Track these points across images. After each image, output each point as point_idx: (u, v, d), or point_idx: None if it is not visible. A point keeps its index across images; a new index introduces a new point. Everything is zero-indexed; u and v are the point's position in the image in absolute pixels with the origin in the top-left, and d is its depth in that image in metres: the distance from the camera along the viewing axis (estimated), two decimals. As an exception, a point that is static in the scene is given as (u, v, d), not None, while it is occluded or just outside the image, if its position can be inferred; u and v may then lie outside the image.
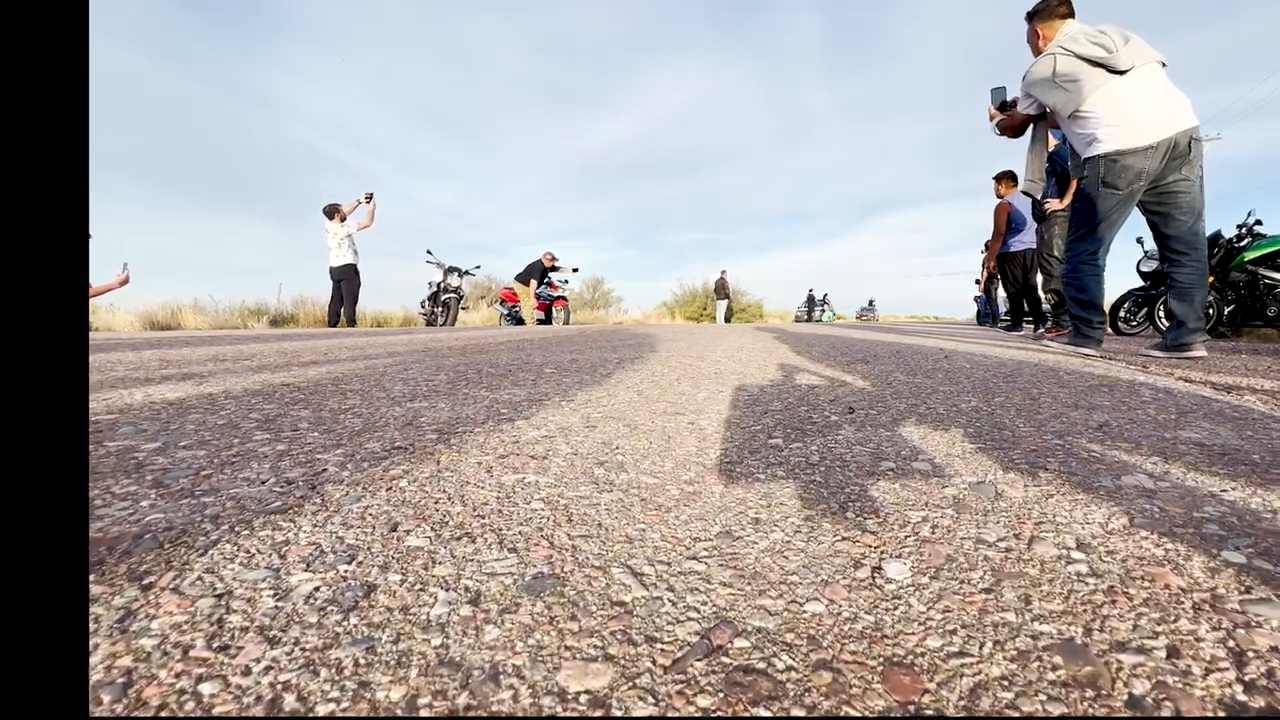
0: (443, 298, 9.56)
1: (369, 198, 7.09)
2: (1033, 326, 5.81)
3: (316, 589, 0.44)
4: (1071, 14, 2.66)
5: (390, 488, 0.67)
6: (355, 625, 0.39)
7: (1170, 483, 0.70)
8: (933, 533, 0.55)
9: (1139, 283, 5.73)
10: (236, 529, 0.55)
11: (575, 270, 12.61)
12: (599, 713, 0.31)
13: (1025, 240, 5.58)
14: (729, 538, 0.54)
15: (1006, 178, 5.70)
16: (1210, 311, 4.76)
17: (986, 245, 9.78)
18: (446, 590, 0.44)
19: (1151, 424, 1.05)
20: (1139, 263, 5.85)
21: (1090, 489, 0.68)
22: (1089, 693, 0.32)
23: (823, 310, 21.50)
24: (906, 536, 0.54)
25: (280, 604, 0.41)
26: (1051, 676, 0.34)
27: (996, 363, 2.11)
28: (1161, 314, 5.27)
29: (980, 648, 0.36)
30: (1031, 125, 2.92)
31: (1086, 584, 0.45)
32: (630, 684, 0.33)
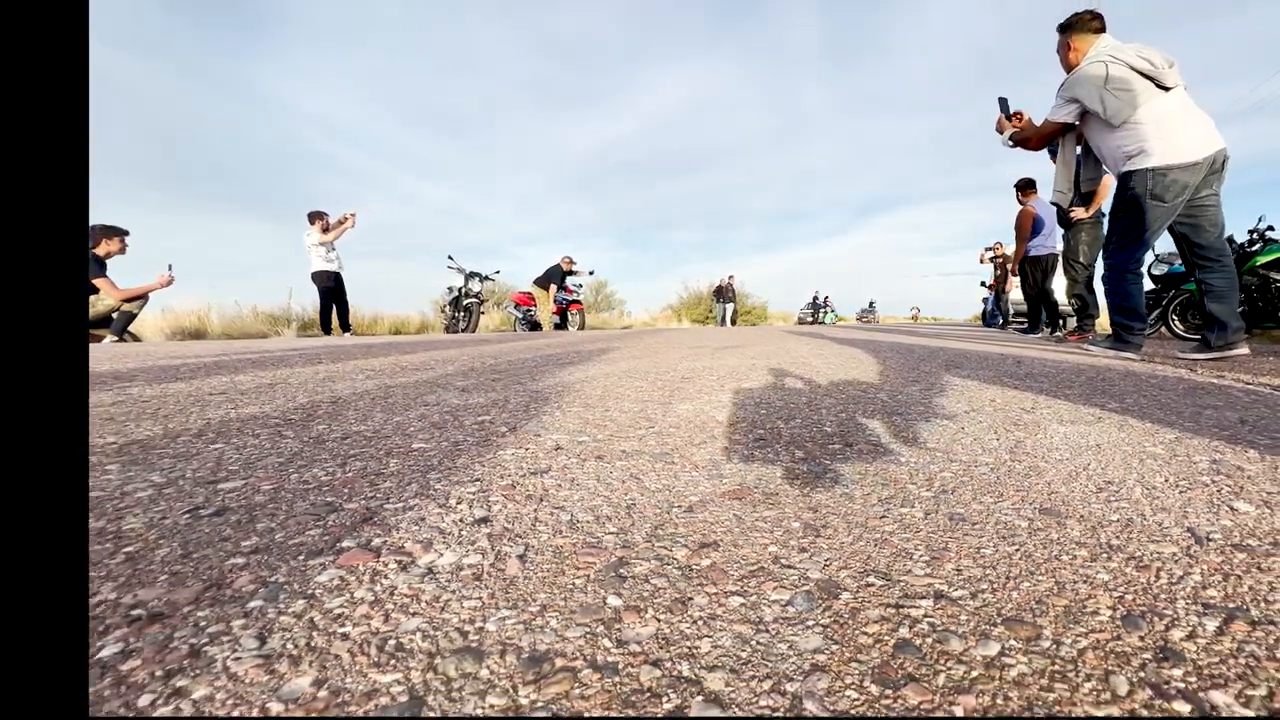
0: (464, 302, 9.70)
1: (351, 217, 7.16)
2: (1049, 329, 6.06)
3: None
4: (1104, 29, 2.84)
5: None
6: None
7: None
8: None
9: (1149, 286, 6.02)
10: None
11: (591, 273, 12.76)
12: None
13: (1047, 245, 5.85)
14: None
15: (1028, 185, 5.95)
16: (1226, 314, 5.02)
17: (990, 247, 10.13)
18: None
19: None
20: (1150, 266, 6.13)
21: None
22: None
23: (824, 312, 21.86)
24: None
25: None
26: None
27: (1072, 367, 2.31)
28: (1175, 317, 5.53)
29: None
30: (1060, 137, 3.06)
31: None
32: None
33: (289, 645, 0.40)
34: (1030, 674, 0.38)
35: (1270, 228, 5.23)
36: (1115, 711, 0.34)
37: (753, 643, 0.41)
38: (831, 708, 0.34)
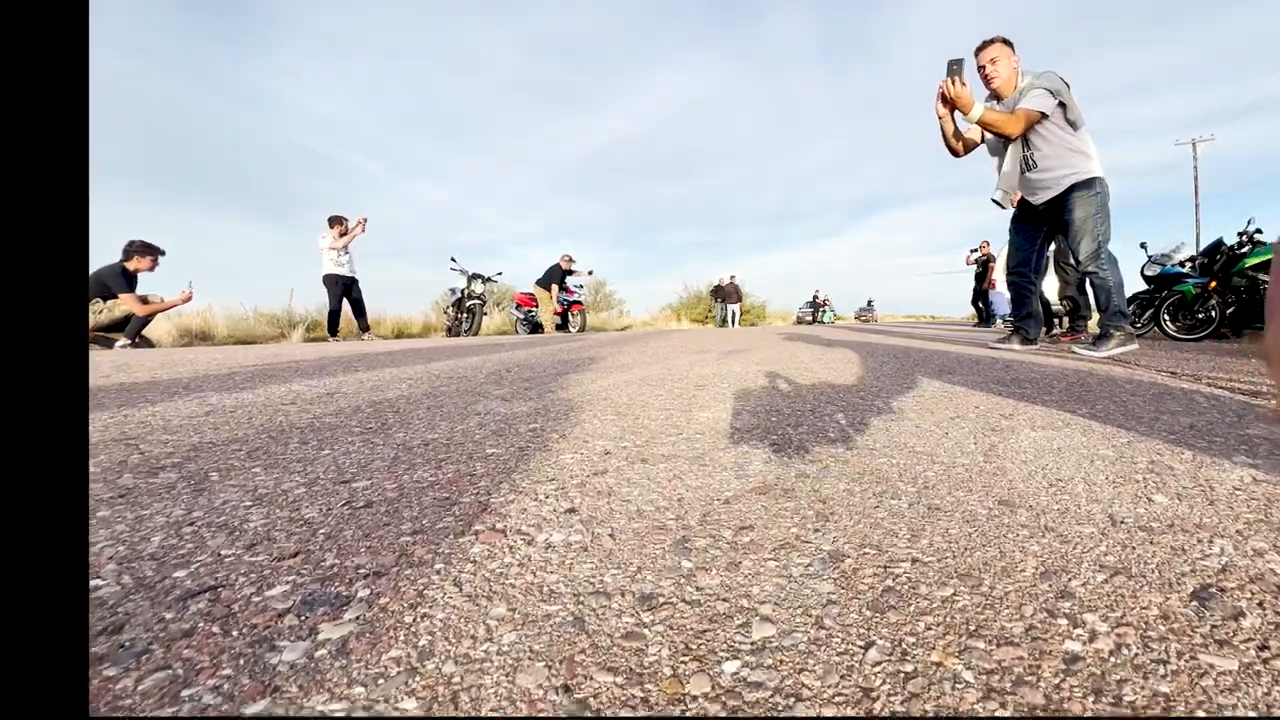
0: (467, 304, 9.88)
1: (363, 222, 7.41)
2: (1044, 329, 6.25)
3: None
4: None
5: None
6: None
7: None
8: None
9: (1141, 286, 6.22)
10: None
11: (591, 273, 12.92)
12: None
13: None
14: None
15: (1020, 191, 6.13)
16: (1214, 314, 5.22)
17: (976, 248, 10.35)
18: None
19: None
20: (1143, 267, 6.32)
21: None
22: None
23: (823, 311, 22.11)
24: None
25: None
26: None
27: (1056, 372, 2.51)
28: (1167, 318, 5.72)
29: None
30: (1008, 137, 3.24)
31: None
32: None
33: (479, 590, 0.60)
34: (970, 605, 0.58)
35: (1259, 230, 5.41)
36: (1019, 625, 0.54)
37: (787, 589, 0.61)
38: (841, 622, 0.54)
